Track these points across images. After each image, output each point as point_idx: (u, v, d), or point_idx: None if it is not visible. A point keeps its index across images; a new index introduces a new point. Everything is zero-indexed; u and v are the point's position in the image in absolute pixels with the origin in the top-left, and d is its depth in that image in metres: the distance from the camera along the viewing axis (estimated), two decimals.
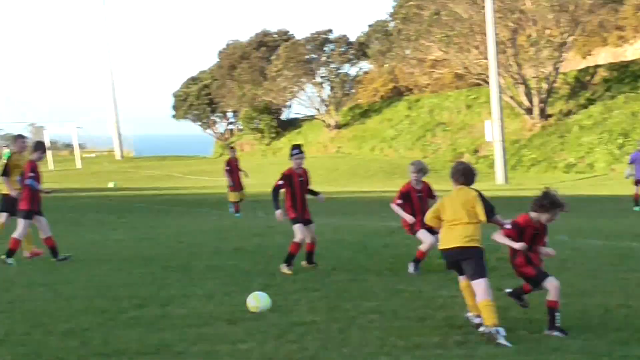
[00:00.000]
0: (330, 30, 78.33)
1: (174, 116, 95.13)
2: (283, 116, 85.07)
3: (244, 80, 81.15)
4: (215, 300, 11.57)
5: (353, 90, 77.93)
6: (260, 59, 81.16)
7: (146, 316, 10.57)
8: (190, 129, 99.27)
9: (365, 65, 79.48)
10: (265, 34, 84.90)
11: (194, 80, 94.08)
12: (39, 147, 16.07)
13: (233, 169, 27.00)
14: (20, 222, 15.40)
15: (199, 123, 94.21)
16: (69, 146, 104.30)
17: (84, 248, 17.72)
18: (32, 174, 15.58)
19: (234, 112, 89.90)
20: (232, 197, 27.02)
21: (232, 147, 29.06)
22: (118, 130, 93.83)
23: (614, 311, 10.51)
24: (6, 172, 16.28)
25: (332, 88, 77.18)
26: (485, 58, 53.02)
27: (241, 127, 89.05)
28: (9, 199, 16.47)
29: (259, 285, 12.42)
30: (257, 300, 10.78)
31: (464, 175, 9.89)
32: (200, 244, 18.27)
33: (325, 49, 77.47)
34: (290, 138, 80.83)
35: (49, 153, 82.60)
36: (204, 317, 10.45)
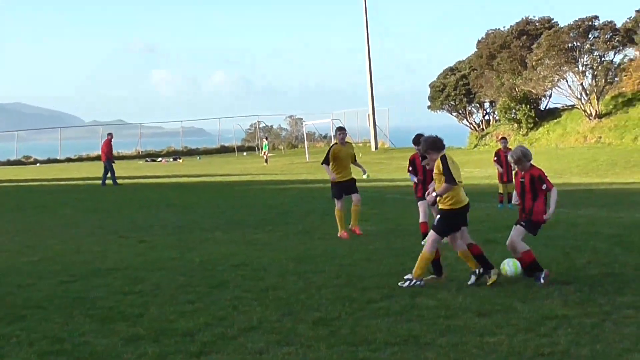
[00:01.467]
0: (596, 17, 75.92)
1: (429, 107, 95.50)
2: (542, 106, 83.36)
3: (503, 69, 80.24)
4: (464, 291, 11.54)
5: (617, 79, 75.17)
6: (520, 48, 79.92)
7: (394, 306, 10.70)
8: (444, 120, 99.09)
9: (631, 52, 76.41)
10: (528, 22, 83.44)
11: (451, 70, 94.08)
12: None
13: (502, 160, 26.42)
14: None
15: (455, 114, 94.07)
16: (325, 138, 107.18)
17: (335, 239, 18.10)
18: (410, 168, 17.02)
19: (491, 102, 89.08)
20: (500, 188, 26.43)
21: (503, 138, 28.27)
22: (374, 122, 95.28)
23: None
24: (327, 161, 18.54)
25: (594, 76, 74.76)
26: None
27: (497, 118, 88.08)
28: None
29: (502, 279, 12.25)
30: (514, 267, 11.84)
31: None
32: None
33: (589, 36, 75.16)
34: (549, 128, 79.08)
35: (305, 145, 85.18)
36: (452, 309, 10.45)
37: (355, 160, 18.78)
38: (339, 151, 18.40)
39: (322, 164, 18.89)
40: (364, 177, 19.37)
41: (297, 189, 35.69)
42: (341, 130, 18.84)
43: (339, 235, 18.18)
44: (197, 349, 8.92)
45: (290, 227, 20.56)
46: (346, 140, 19.07)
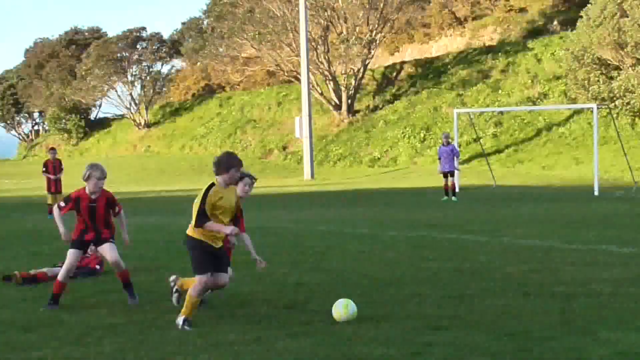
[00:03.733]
0: (143, 28, 77.37)
1: None
2: (92, 116, 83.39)
3: (52, 79, 79.08)
4: (11, 307, 11.28)
5: (165, 89, 77.27)
6: (69, 58, 79.28)
7: None
8: None
9: (178, 63, 78.99)
10: (76, 31, 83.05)
11: None
12: None
13: (50, 170, 25.98)
14: None
15: (3, 124, 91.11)
16: None
17: None
18: None
19: (41, 112, 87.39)
20: (49, 199, 25.97)
21: (52, 148, 27.79)
22: None
23: (406, 300, 10.92)
24: None
25: (143, 86, 76.23)
26: (297, 55, 53.67)
27: (47, 128, 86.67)
28: None
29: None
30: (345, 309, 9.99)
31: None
32: None
33: (137, 47, 76.44)
34: (99, 138, 79.34)
35: None
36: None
37: None
38: None
39: None
40: None
41: None
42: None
43: None
44: None
45: None
46: None
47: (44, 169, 26.23)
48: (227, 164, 9.83)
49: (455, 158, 28.54)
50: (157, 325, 9.96)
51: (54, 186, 25.67)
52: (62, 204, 11.18)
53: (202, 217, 9.70)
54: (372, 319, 9.75)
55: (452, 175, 28.77)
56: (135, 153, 71.47)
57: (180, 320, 9.73)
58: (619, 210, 23.41)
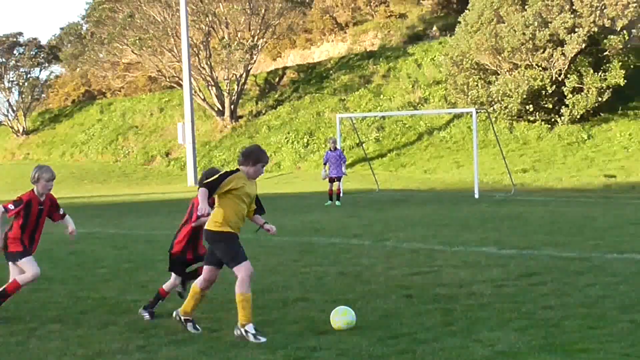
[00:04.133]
0: (20, 33, 75.65)
1: None
2: None
3: None
4: None
5: (44, 95, 75.69)
6: None
7: None
8: None
9: (57, 69, 77.47)
10: None
11: None
12: None
13: None
14: None
15: None
16: None
17: None
18: None
19: None
20: None
21: None
22: None
23: (291, 305, 10.95)
24: None
25: (21, 93, 74.52)
26: (179, 61, 53.24)
27: None
28: None
29: None
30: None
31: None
32: None
33: (14, 52, 74.68)
34: None
35: None
36: None
37: None
38: None
39: None
40: None
41: None
42: None
43: None
44: None
45: None
46: None
47: None
48: (257, 157, 9.65)
49: (342, 163, 28.78)
50: (37, 335, 9.75)
51: None
52: (12, 206, 10.52)
53: (212, 188, 9.23)
54: (257, 324, 9.75)
55: (339, 180, 29.00)
56: (13, 160, 69.76)
57: (249, 329, 9.17)
58: (498, 213, 23.97)
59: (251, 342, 9.02)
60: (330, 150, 29.03)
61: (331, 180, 28.71)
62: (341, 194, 29.41)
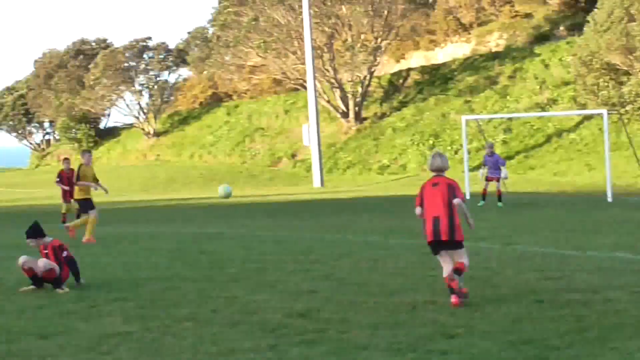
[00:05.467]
0: (149, 38, 77.90)
1: None
2: (102, 125, 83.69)
3: (61, 89, 79.51)
4: (26, 315, 11.29)
5: (172, 98, 77.48)
6: (78, 68, 79.74)
7: None
8: (4, 140, 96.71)
9: (184, 72, 79.33)
10: (83, 42, 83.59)
11: (9, 90, 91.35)
12: None
13: (64, 180, 26.06)
14: None
15: (15, 134, 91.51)
16: None
17: None
18: None
19: (51, 122, 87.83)
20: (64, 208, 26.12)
21: (66, 159, 27.96)
22: None
23: (420, 308, 10.89)
24: None
25: (151, 96, 76.47)
26: (303, 63, 53.73)
27: (58, 137, 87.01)
28: None
29: (71, 298, 12.24)
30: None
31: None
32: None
33: (144, 56, 76.76)
34: (109, 147, 79.58)
35: None
36: (13, 333, 10.19)
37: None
38: (85, 171, 20.73)
39: (75, 181, 20.84)
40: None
41: None
42: (89, 152, 21.78)
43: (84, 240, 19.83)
44: None
45: None
46: None
47: (57, 180, 26.35)
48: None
49: (501, 166, 28.58)
50: (172, 332, 9.97)
51: (69, 195, 25.75)
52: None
53: None
54: (386, 326, 9.74)
55: (498, 180, 28.76)
56: (145, 162, 71.57)
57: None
58: (633, 217, 23.29)
59: (381, 344, 9.01)
60: (487, 155, 28.92)
61: (489, 180, 28.58)
62: (501, 194, 28.94)
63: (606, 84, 43.97)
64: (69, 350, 9.28)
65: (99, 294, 12.62)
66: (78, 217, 24.19)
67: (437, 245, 11.11)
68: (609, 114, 34.87)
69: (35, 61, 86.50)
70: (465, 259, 11.12)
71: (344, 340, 9.30)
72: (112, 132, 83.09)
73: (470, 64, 57.97)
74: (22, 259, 13.16)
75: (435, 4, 61.53)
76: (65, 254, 13.11)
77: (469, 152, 39.85)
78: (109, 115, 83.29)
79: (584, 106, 45.86)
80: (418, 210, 11.41)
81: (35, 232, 13.32)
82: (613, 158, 34.31)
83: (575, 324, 9.68)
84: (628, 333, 9.16)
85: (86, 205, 20.71)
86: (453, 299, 10.77)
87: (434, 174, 11.32)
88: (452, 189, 11.10)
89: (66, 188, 25.86)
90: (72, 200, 25.29)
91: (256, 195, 39.84)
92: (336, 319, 10.31)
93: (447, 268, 11.05)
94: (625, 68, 43.79)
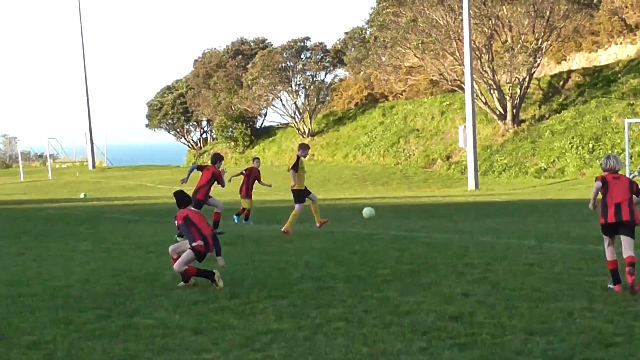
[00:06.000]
0: (307, 38, 78.60)
1: (147, 125, 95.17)
2: (257, 124, 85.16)
3: (219, 88, 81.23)
4: (181, 310, 11.57)
5: (328, 98, 78.08)
6: (236, 67, 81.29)
7: (111, 327, 10.56)
8: (163, 138, 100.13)
9: (341, 72, 79.77)
10: (242, 42, 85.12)
11: (169, 89, 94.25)
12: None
13: (251, 176, 26.46)
14: None
15: (173, 132, 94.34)
16: (41, 157, 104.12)
17: (51, 260, 17.63)
18: None
19: (209, 121, 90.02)
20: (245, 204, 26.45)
21: (256, 158, 28.47)
22: (91, 140, 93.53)
23: (577, 314, 10.60)
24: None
25: (307, 96, 77.29)
26: (461, 64, 53.15)
27: (215, 136, 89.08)
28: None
29: (226, 295, 12.48)
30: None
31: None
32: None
33: (301, 56, 77.61)
34: (264, 146, 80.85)
35: (20, 164, 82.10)
36: (169, 327, 10.46)
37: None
38: (303, 163, 21.90)
39: (291, 169, 21.78)
40: (81, 196, 19.87)
41: (9, 210, 34.38)
42: (308, 146, 22.80)
43: (283, 229, 21.41)
44: None
45: (2, 249, 19.77)
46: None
47: (244, 172, 26.55)
48: None
49: None
50: (323, 332, 10.02)
51: (249, 191, 26.29)
52: None
53: None
54: (541, 333, 9.52)
55: None
56: None
57: None
58: None
59: (535, 350, 8.81)
60: None
61: None
62: None
63: None
64: (223, 346, 9.46)
65: (253, 291, 12.81)
66: (243, 215, 25.49)
67: (613, 228, 12.27)
68: None
69: (195, 61, 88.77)
70: (633, 251, 12.18)
71: (497, 345, 9.14)
72: (267, 132, 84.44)
73: (635, 66, 56.08)
74: (170, 248, 13.84)
75: (600, 4, 59.75)
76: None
77: (630, 157, 38.61)
78: (265, 114, 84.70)
79: None
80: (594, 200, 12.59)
81: (183, 200, 14.10)
82: None
83: None
84: None
85: (300, 196, 22.05)
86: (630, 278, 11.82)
87: (606, 173, 12.48)
88: (632, 183, 12.38)
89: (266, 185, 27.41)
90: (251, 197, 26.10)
91: (410, 197, 39.68)
92: (489, 323, 10.15)
93: (610, 252, 12.49)
94: None
